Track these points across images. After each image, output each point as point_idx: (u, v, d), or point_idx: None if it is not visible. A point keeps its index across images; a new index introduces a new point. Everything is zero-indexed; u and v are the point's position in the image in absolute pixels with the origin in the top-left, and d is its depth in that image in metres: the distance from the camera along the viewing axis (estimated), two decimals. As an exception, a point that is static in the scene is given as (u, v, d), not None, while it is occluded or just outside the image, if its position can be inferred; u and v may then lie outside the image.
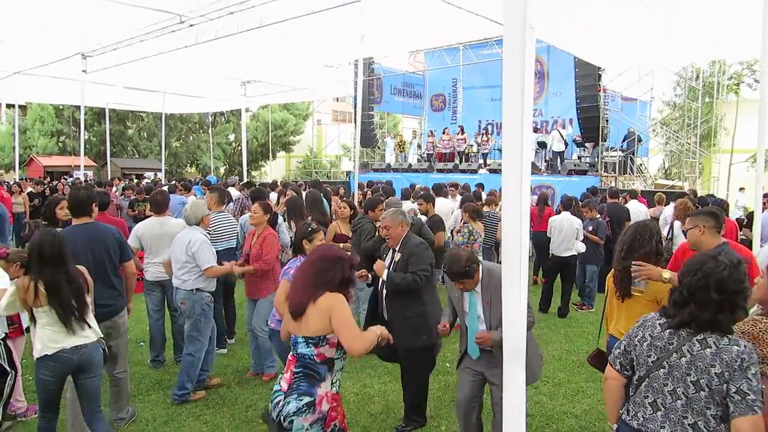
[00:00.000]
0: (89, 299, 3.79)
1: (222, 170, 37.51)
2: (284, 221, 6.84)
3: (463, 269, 3.62)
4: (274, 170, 37.43)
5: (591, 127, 17.14)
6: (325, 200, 9.27)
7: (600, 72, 16.77)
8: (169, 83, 19.95)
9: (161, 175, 26.75)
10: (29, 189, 14.63)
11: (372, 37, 12.67)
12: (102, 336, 3.88)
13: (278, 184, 15.08)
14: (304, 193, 9.53)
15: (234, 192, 10.55)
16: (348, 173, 23.79)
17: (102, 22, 12.01)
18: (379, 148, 25.27)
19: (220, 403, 5.14)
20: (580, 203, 9.43)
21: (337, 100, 40.15)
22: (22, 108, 29.23)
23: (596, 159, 17.47)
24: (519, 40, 2.19)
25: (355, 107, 13.56)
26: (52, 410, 3.75)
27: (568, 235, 8.35)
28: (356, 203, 8.75)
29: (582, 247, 8.44)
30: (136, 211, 11.68)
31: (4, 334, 4.39)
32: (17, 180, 18.32)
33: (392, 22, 12.24)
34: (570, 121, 19.56)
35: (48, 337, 3.59)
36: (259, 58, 15.46)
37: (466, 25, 12.17)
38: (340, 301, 2.98)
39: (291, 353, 3.07)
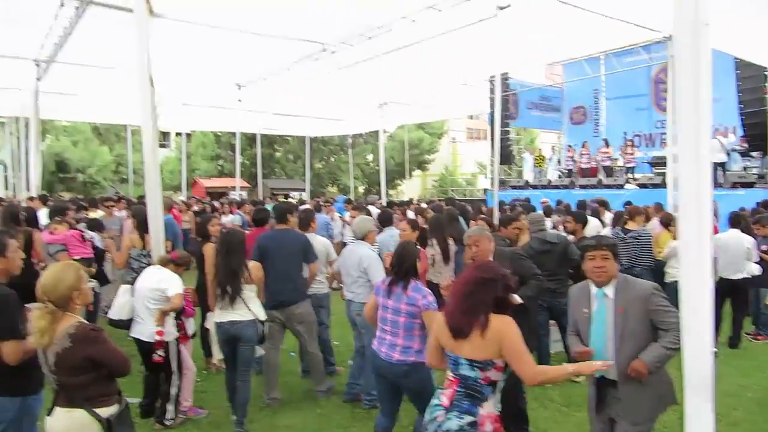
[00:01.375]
0: (247, 288, 4.76)
1: (361, 189, 38.91)
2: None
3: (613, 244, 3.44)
4: (410, 189, 38.04)
5: (757, 134, 15.32)
6: (462, 218, 9.20)
7: (766, 73, 14.97)
8: (312, 108, 21.16)
9: (305, 195, 28.35)
10: (194, 207, 16.20)
11: (508, 51, 12.42)
12: (263, 319, 4.85)
13: (412, 202, 15.27)
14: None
15: (373, 210, 10.85)
16: (485, 191, 23.43)
17: (255, 55, 13.07)
18: (516, 164, 24.65)
19: (366, 417, 5.22)
20: (751, 219, 8.40)
21: (471, 118, 39.98)
22: (188, 135, 32.68)
23: (765, 169, 15.55)
24: (692, 39, 1.98)
25: (492, 124, 13.36)
26: (230, 368, 5.01)
27: (737, 255, 7.45)
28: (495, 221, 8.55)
29: (756, 269, 7.49)
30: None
31: (176, 336, 4.86)
32: (184, 200, 20.40)
33: (529, 35, 11.92)
34: (733, 129, 17.64)
35: (217, 312, 4.85)
36: (395, 80, 15.87)
37: (609, 32, 11.48)
38: (510, 327, 2.82)
39: (451, 373, 2.97)
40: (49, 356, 2.79)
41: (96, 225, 7.33)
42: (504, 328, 2.80)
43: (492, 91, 16.51)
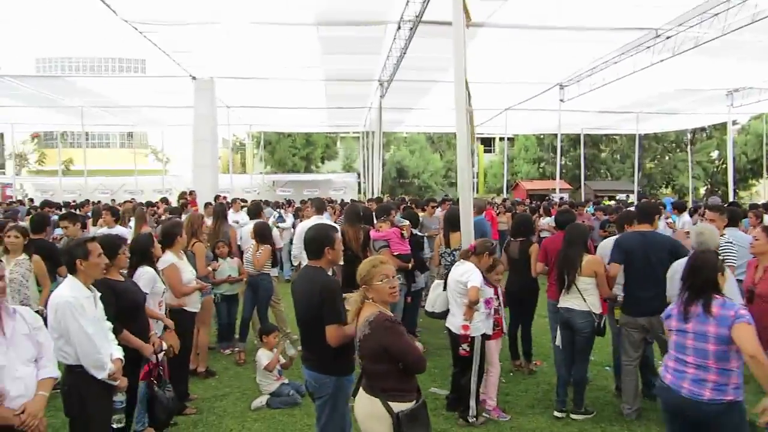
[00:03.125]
0: (586, 280, 4.90)
1: (702, 191, 33.98)
2: None
3: None
4: (768, 190, 31.55)
5: None
6: None
7: None
8: (643, 102, 19.32)
9: (633, 197, 26.13)
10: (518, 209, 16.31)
11: None
12: (597, 312, 4.91)
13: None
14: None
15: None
16: None
17: (576, 51, 12.55)
18: None
19: None
20: None
21: None
22: (510, 140, 33.57)
23: None
24: None
25: None
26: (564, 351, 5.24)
27: None
28: None
29: None
30: (607, 232, 11.58)
31: (484, 332, 4.93)
32: (502, 200, 20.91)
33: None
34: None
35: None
36: (749, 61, 13.24)
37: None
38: None
39: None
40: (357, 342, 3.10)
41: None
42: None
43: None
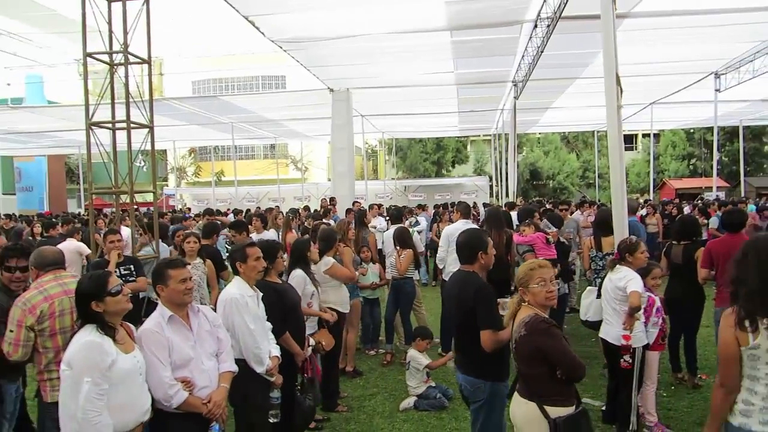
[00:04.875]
0: None
1: None
2: None
3: None
4: None
5: None
6: None
7: None
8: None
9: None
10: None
11: None
12: None
13: None
14: None
15: None
16: None
17: (734, 35, 11.37)
18: None
19: None
20: None
21: None
22: (656, 136, 31.14)
23: None
24: None
25: None
26: None
27: None
28: None
29: None
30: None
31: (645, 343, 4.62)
32: (645, 201, 19.44)
33: None
34: None
35: None
36: None
37: None
38: None
39: None
40: (512, 344, 3.06)
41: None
42: None
43: None
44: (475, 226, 7.00)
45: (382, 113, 19.50)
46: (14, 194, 30.75)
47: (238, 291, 3.70)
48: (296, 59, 12.09)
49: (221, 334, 3.35)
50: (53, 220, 12.25)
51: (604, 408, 5.03)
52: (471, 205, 9.17)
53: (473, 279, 3.51)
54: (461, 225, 6.36)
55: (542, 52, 10.48)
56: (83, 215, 17.05)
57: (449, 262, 6.49)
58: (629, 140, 39.39)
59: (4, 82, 23.00)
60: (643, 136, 37.49)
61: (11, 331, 3.30)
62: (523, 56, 12.08)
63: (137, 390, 2.81)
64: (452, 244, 5.33)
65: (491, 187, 28.74)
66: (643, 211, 13.44)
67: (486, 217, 7.06)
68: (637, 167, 36.18)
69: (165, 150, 31.74)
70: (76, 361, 2.63)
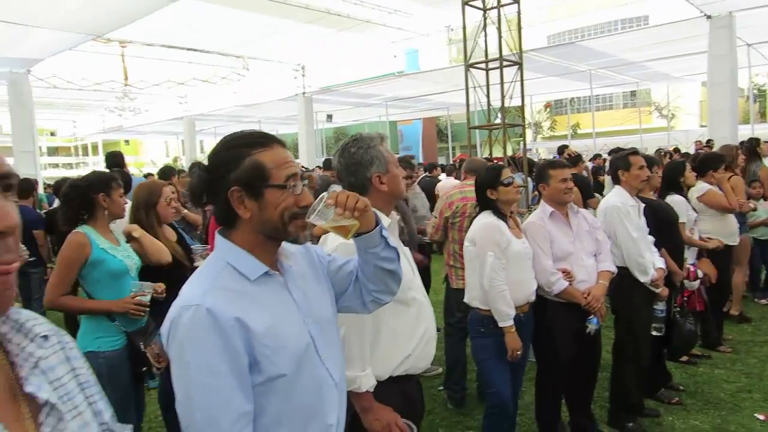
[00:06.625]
0: None
1: None
2: None
3: None
4: None
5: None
6: None
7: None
8: None
9: None
10: None
11: None
12: None
13: None
14: None
15: None
16: None
17: None
18: None
19: None
20: None
21: None
22: None
23: None
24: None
25: None
26: None
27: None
28: None
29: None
30: None
31: None
32: None
33: None
34: None
35: None
36: None
37: None
38: None
39: None
40: None
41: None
42: None
43: None
44: None
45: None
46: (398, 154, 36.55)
47: (620, 199, 3.71)
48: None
49: (600, 236, 3.44)
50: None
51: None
52: None
53: None
54: None
55: None
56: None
57: None
58: None
59: (391, 55, 26.97)
60: None
61: (435, 217, 4.39)
62: None
63: (527, 272, 3.13)
64: None
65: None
66: None
67: None
68: None
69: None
70: (480, 239, 3.08)
